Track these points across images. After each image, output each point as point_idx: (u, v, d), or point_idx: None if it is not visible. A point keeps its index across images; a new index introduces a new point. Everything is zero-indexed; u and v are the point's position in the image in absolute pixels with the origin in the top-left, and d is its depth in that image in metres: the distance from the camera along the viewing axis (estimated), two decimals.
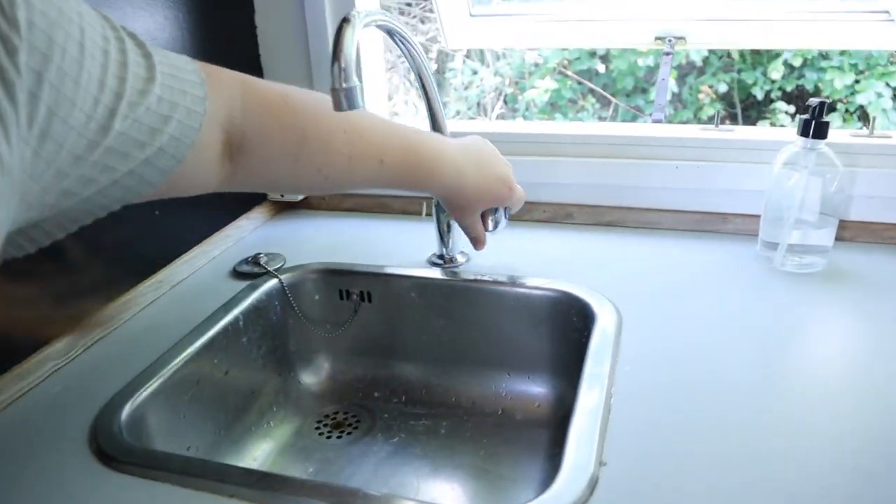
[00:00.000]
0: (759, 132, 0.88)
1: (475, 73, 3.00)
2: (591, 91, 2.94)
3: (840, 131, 0.84)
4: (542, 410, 0.80)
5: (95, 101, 0.38)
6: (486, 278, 0.81)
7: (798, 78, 2.73)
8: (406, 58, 0.72)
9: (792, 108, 2.78)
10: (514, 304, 0.80)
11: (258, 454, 0.77)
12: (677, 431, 0.55)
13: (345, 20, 0.57)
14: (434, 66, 3.04)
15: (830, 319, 0.71)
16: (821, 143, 0.74)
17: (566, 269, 0.82)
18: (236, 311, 0.77)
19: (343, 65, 0.54)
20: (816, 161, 0.74)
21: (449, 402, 0.84)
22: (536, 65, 2.96)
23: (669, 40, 1.03)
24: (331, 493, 0.53)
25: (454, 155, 0.69)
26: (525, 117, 2.98)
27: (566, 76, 2.91)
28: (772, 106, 2.79)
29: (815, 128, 0.73)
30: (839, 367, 0.64)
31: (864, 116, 2.61)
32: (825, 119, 0.73)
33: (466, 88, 3.01)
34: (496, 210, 0.77)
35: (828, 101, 0.73)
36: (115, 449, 0.57)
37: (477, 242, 0.79)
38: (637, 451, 0.53)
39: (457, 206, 0.75)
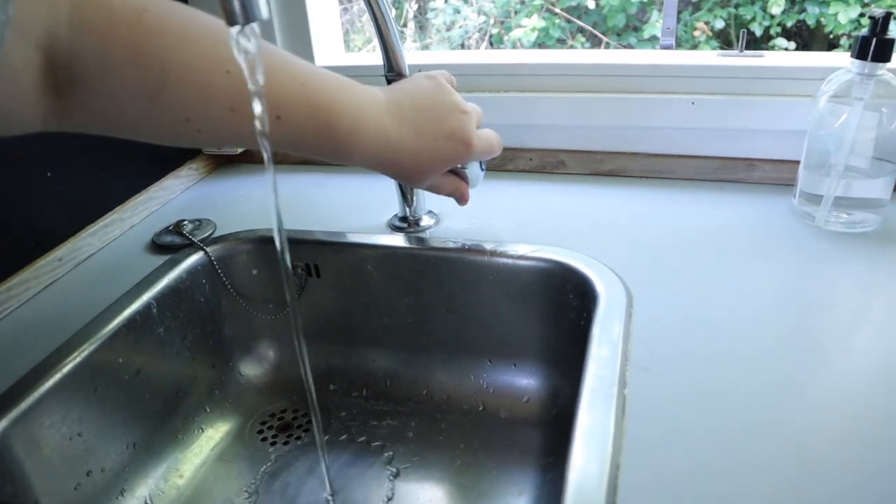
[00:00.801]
0: (799, 57, 0.72)
1: (458, 12, 2.82)
2: (581, 30, 2.76)
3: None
4: (531, 406, 0.66)
5: None
6: (459, 245, 0.66)
7: (799, 12, 2.58)
8: None
9: (792, 45, 2.63)
10: (494, 277, 0.65)
11: (185, 469, 0.63)
12: (715, 461, 0.41)
13: None
14: (415, 6, 2.85)
15: (887, 291, 0.57)
16: (881, 68, 0.58)
17: (558, 231, 0.67)
18: (147, 296, 0.62)
19: None
20: (874, 91, 0.59)
21: (419, 396, 0.70)
22: (522, 2, 2.78)
23: None
24: None
25: (380, 116, 0.51)
26: None
27: (554, 14, 2.73)
28: (771, 43, 2.64)
29: (875, 47, 0.57)
30: None
31: None
32: (889, 36, 0.57)
33: (449, 29, 2.84)
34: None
35: (892, 12, 0.56)
36: None
37: (459, 199, 0.62)
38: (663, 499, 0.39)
39: (397, 178, 0.60)
